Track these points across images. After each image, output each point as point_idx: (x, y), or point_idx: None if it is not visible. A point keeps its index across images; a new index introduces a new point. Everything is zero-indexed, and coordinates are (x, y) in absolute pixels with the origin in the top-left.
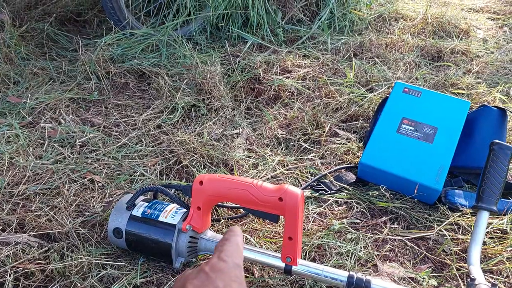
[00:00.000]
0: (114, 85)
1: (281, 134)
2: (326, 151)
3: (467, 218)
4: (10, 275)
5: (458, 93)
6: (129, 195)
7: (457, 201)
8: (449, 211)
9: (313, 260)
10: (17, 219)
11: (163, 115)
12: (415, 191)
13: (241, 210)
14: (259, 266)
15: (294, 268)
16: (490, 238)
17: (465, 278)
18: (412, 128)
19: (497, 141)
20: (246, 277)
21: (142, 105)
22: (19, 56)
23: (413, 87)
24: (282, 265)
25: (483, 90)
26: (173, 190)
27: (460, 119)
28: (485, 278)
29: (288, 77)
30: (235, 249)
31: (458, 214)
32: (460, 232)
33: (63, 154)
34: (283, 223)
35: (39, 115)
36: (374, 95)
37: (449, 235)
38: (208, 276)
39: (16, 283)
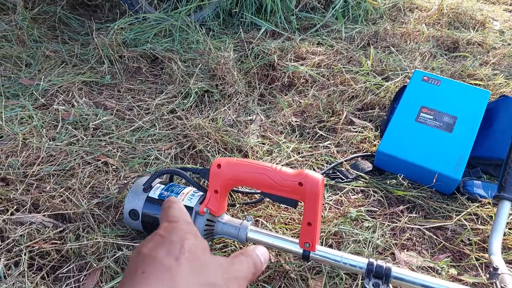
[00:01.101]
0: (127, 69)
1: (295, 122)
2: (341, 139)
3: (486, 208)
4: (25, 254)
5: (475, 84)
6: (145, 177)
7: (476, 191)
8: (467, 201)
9: (330, 247)
10: (31, 200)
11: (176, 100)
12: (434, 181)
13: (256, 196)
14: (276, 251)
15: (312, 254)
16: (510, 229)
17: (484, 268)
18: (431, 117)
19: None
20: None
21: (155, 89)
22: (31, 38)
23: (433, 75)
24: (300, 250)
25: (500, 81)
26: (189, 173)
27: (480, 109)
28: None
29: (303, 64)
30: (180, 211)
31: (477, 204)
32: (479, 223)
33: (77, 136)
34: (300, 208)
35: (52, 98)
36: (391, 84)
37: (469, 225)
38: (162, 236)
39: (31, 262)
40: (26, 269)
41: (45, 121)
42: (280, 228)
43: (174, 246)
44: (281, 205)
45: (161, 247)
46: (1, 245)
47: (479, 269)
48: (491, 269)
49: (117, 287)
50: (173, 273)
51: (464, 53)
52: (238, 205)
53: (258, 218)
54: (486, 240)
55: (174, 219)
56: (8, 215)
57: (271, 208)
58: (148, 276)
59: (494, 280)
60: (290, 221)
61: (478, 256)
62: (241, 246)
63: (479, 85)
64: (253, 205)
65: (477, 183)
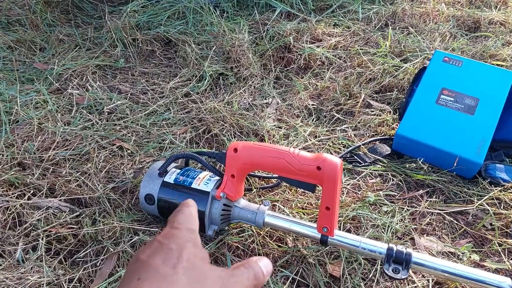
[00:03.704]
0: (141, 53)
1: (312, 105)
2: (359, 122)
3: (509, 192)
4: (42, 238)
5: (498, 64)
6: (160, 162)
7: (498, 175)
8: (489, 186)
9: (348, 231)
10: (47, 184)
11: (191, 83)
12: (454, 164)
13: (273, 180)
14: (293, 236)
15: (330, 238)
16: None
17: (507, 254)
18: (452, 99)
19: None
20: (279, 246)
21: (169, 73)
22: (45, 22)
23: (454, 56)
24: (318, 235)
25: None
26: (205, 157)
27: (503, 90)
28: None
29: (319, 46)
30: (188, 218)
31: (500, 188)
32: (501, 207)
33: (91, 120)
34: (318, 193)
35: (66, 82)
36: (409, 66)
37: (491, 210)
38: (161, 242)
39: (48, 247)
40: (43, 254)
41: (60, 106)
42: (297, 212)
43: (172, 254)
44: (298, 189)
45: (158, 254)
46: (18, 229)
47: (502, 255)
48: None
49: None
50: (169, 281)
51: (485, 33)
52: (254, 190)
53: (275, 203)
54: (509, 225)
55: (177, 225)
56: (25, 199)
57: (288, 192)
58: (143, 283)
59: None
60: (307, 205)
61: (501, 241)
62: (258, 231)
63: (502, 66)
64: (270, 189)
65: (499, 167)
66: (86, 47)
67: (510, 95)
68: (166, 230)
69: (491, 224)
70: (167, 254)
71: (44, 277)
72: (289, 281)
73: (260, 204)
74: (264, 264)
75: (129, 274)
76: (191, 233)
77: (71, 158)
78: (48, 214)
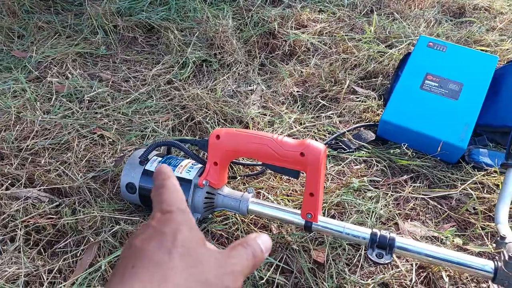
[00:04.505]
0: (122, 40)
1: (297, 91)
2: (344, 109)
3: (492, 177)
4: (20, 229)
5: (482, 50)
6: (141, 150)
7: (481, 160)
8: (473, 170)
9: (333, 217)
10: (26, 174)
11: (173, 70)
12: (438, 149)
13: (257, 167)
14: (277, 222)
15: (314, 225)
16: None
17: (490, 237)
18: (437, 84)
19: None
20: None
21: (151, 60)
22: (23, 9)
23: (438, 41)
24: (302, 221)
25: (508, 47)
26: (187, 145)
27: (487, 75)
28: None
29: (304, 32)
30: (175, 195)
31: (483, 173)
32: (485, 191)
33: (72, 109)
34: (303, 179)
35: (46, 70)
36: (394, 52)
37: (474, 194)
38: (155, 228)
39: (27, 237)
40: (22, 244)
41: (39, 94)
42: (282, 199)
43: (167, 239)
44: (283, 176)
45: (152, 240)
46: None
47: (485, 238)
48: (498, 238)
49: (108, 279)
50: (164, 268)
51: (470, 19)
52: (239, 177)
53: (259, 190)
54: (492, 209)
55: (168, 208)
56: (3, 189)
57: (273, 179)
58: (137, 271)
59: (502, 249)
60: (292, 192)
61: (484, 225)
62: (243, 218)
63: (486, 51)
64: (255, 177)
65: (483, 152)
66: (66, 34)
67: (494, 80)
68: (158, 215)
69: (474, 208)
70: (161, 239)
71: (22, 269)
72: (273, 267)
73: (244, 192)
74: (262, 241)
75: (123, 261)
76: (184, 214)
77: (50, 147)
78: (27, 205)
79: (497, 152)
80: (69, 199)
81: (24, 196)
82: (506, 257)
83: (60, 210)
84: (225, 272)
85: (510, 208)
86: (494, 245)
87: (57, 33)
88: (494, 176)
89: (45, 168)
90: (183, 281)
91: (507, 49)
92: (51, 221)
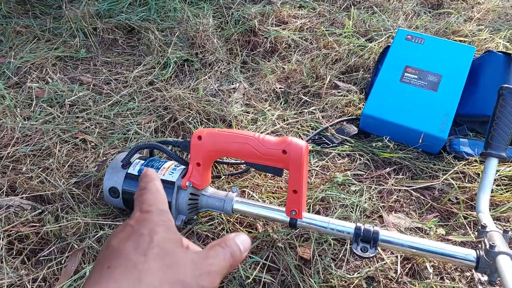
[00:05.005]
0: (102, 42)
1: (280, 88)
2: (326, 103)
3: (473, 166)
4: (3, 238)
5: (460, 40)
6: (124, 153)
7: (462, 149)
8: (454, 160)
9: (318, 213)
10: (7, 182)
11: (155, 71)
12: (420, 141)
13: (242, 166)
14: (263, 221)
15: (299, 221)
16: (497, 185)
17: (472, 227)
18: (416, 77)
19: (506, 85)
20: (250, 232)
21: (132, 61)
22: (0, 14)
23: (416, 33)
24: (287, 219)
25: (485, 37)
26: (170, 147)
27: (465, 66)
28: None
29: (285, 29)
30: (156, 196)
31: (464, 162)
32: (466, 181)
33: (52, 114)
34: (287, 177)
35: (25, 75)
36: (374, 45)
37: (456, 184)
38: (133, 227)
39: (10, 247)
40: (4, 254)
41: (19, 100)
42: (267, 197)
43: (143, 240)
44: (267, 174)
45: (129, 240)
46: None
47: (467, 228)
48: (479, 227)
49: (86, 279)
50: (140, 269)
51: (448, 10)
52: (223, 177)
53: (244, 189)
54: (474, 198)
55: (147, 208)
56: None
57: (258, 177)
58: (113, 271)
59: (483, 238)
60: (277, 189)
61: (466, 214)
62: (228, 218)
63: (464, 41)
64: (239, 175)
65: (463, 141)
66: (45, 39)
67: (472, 71)
68: (137, 215)
69: (456, 198)
70: (138, 240)
71: (5, 279)
72: (259, 266)
73: (228, 191)
74: (241, 240)
75: (100, 261)
76: (163, 215)
77: (32, 154)
78: (9, 213)
79: (477, 141)
80: (52, 206)
81: (6, 205)
82: (487, 246)
83: (43, 218)
84: (201, 273)
85: (491, 197)
86: (476, 234)
87: (36, 37)
88: (475, 166)
89: (27, 175)
90: (157, 282)
91: (485, 39)
92: (34, 229)
